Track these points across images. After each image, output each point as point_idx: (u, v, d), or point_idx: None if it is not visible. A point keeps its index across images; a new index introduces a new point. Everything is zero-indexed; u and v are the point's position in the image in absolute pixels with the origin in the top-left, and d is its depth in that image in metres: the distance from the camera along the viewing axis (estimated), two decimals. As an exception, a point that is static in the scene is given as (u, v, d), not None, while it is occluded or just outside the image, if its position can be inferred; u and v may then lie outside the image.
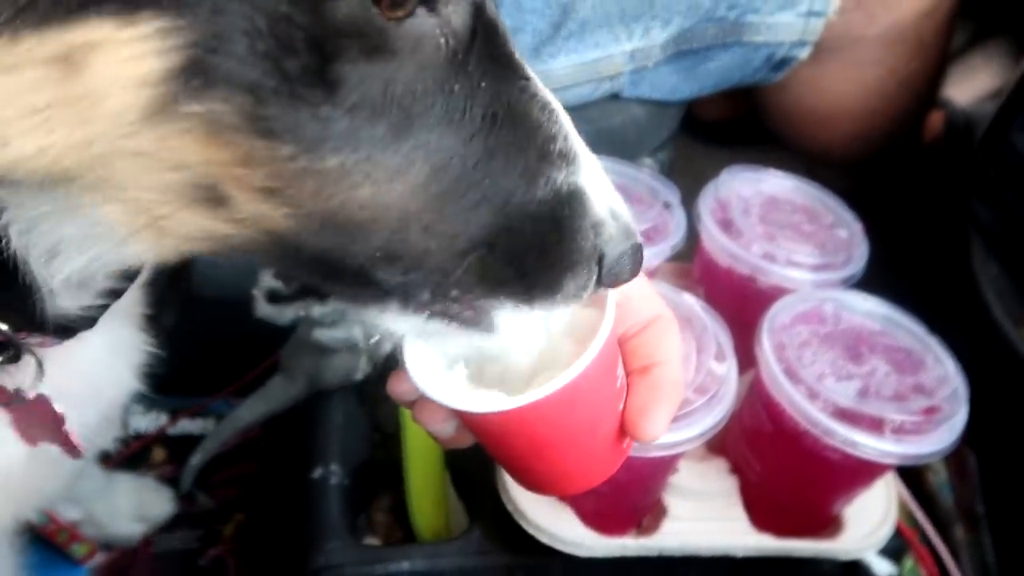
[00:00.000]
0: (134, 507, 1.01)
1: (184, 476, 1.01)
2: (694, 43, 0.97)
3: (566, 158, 0.44)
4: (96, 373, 0.58)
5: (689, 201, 0.91)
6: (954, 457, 0.91)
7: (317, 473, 0.84)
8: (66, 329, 0.48)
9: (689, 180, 0.96)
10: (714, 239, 0.87)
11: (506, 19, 0.89)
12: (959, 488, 0.92)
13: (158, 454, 1.07)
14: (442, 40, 0.39)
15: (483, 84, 0.41)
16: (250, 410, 0.97)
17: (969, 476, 0.91)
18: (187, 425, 1.09)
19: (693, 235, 0.90)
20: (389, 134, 0.38)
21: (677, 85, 1.02)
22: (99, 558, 0.97)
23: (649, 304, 0.54)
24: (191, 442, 1.03)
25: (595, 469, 0.53)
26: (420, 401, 0.51)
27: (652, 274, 0.87)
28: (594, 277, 0.45)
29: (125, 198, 0.38)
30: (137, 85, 0.34)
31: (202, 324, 1.00)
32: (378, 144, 0.38)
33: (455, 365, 0.50)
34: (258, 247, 0.41)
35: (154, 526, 1.01)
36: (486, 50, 0.41)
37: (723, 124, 1.41)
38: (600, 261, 0.45)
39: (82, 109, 0.34)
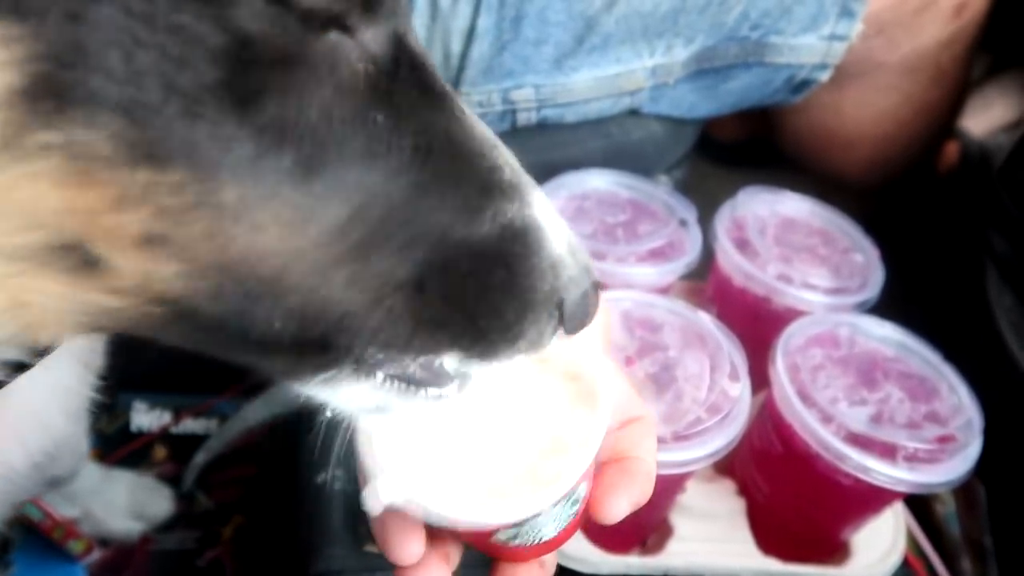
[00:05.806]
0: (132, 505, 0.99)
1: (186, 474, 1.01)
2: (716, 62, 0.97)
3: (516, 190, 0.39)
4: (25, 415, 0.52)
5: (700, 220, 0.91)
6: (963, 488, 0.90)
7: (321, 478, 0.83)
8: None
9: (700, 199, 0.95)
10: (730, 258, 0.87)
11: (529, 31, 0.91)
12: (966, 520, 0.91)
13: (159, 452, 1.06)
14: (361, 66, 0.34)
15: (411, 115, 0.36)
16: (256, 412, 0.96)
17: (978, 508, 0.90)
18: (190, 424, 1.08)
19: (706, 254, 0.90)
20: (300, 166, 0.32)
21: (696, 103, 1.01)
22: (96, 555, 0.96)
23: (632, 404, 0.54)
24: (194, 441, 1.03)
25: None
26: None
27: (666, 291, 0.87)
28: (554, 322, 0.40)
29: None
30: None
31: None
32: (287, 177, 0.32)
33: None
34: (153, 322, 0.35)
35: (152, 525, 1.00)
36: (413, 82, 0.37)
37: (736, 145, 1.42)
38: (561, 305, 0.40)
39: None
